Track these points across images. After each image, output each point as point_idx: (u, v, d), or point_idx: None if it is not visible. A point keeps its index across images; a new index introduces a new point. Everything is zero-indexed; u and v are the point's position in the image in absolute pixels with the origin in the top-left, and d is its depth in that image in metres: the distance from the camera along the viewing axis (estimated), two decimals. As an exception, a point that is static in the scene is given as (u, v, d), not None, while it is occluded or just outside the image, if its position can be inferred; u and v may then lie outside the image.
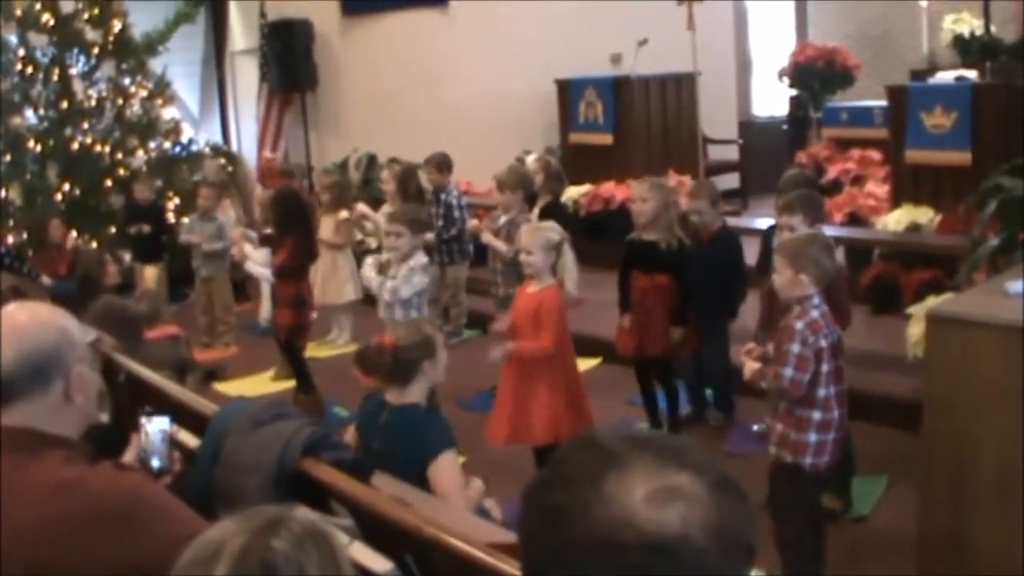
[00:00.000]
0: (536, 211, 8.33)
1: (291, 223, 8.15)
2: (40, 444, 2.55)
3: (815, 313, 4.83)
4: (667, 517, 1.27)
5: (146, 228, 11.01)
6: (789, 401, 4.87)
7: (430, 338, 4.69)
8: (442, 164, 9.88)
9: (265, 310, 9.06)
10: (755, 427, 6.98)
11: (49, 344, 2.59)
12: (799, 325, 4.78)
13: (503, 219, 8.15)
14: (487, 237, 8.14)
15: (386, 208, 9.66)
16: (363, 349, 4.76)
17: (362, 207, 10.26)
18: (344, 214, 9.92)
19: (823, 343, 4.81)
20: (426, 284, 7.13)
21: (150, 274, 11.00)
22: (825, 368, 4.84)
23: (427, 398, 4.79)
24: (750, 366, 5.01)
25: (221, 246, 10.32)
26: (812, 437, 4.85)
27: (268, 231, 9.26)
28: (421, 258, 7.11)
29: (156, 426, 3.22)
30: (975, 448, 4.39)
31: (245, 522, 1.87)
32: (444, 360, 4.73)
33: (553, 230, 6.25)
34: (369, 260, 7.38)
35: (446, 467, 4.37)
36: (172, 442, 3.36)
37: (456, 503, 4.36)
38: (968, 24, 12.82)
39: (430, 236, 8.53)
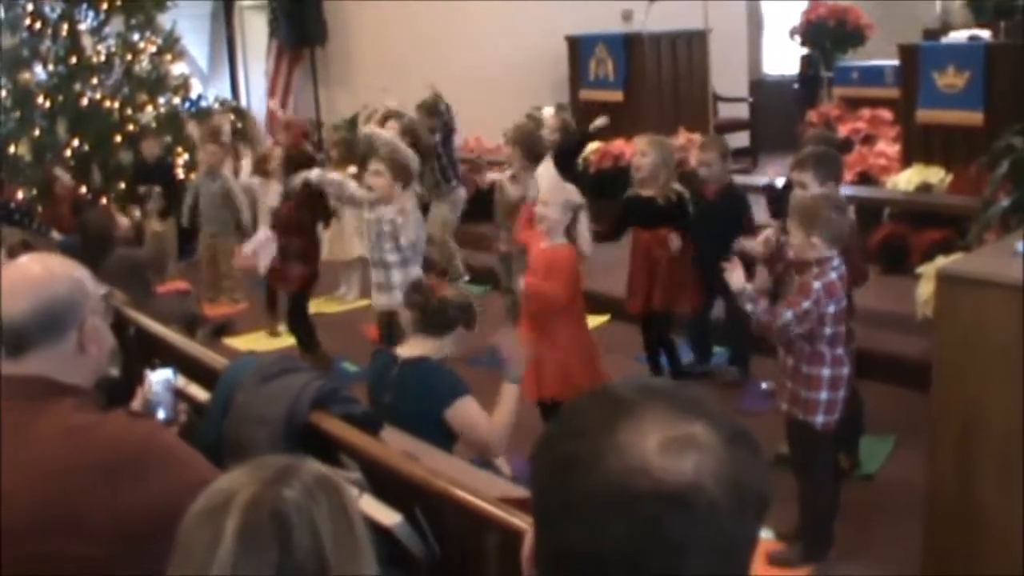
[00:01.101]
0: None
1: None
2: (52, 392, 2.56)
3: (833, 275, 4.84)
4: (681, 466, 1.27)
5: (157, 189, 11.02)
6: (773, 337, 4.93)
7: (474, 309, 4.73)
8: (432, 110, 9.96)
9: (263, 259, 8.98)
10: (763, 385, 6.99)
11: (64, 294, 2.60)
12: (816, 285, 4.79)
13: (508, 173, 8.20)
14: (493, 175, 8.10)
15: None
16: (416, 282, 4.78)
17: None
18: (352, 170, 9.90)
19: (831, 308, 4.81)
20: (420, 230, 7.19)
21: (164, 230, 11.04)
22: (829, 331, 4.85)
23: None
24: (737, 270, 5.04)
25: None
26: (824, 395, 4.88)
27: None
28: (407, 206, 7.10)
29: (160, 377, 3.23)
30: (983, 407, 4.38)
31: (256, 471, 1.88)
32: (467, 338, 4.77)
33: (575, 193, 6.28)
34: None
35: (465, 409, 4.41)
36: (177, 393, 3.37)
37: (487, 435, 4.44)
38: (982, -17, 12.73)
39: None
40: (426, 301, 4.61)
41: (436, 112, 9.90)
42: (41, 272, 2.63)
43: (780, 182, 6.57)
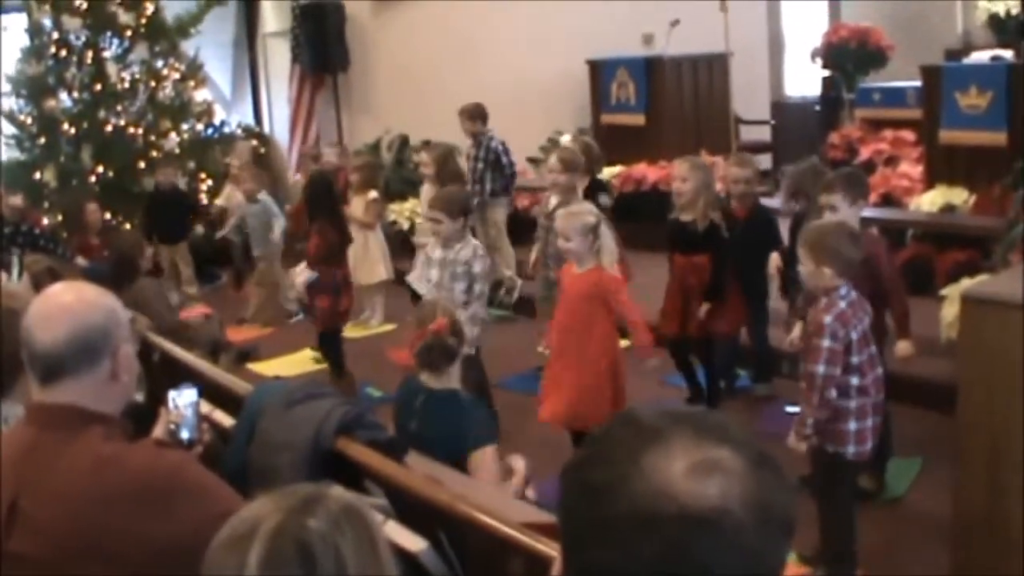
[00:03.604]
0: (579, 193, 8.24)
1: (318, 208, 8.13)
2: (82, 421, 2.58)
3: (842, 304, 4.79)
4: (707, 490, 1.28)
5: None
6: (823, 395, 4.83)
7: (458, 321, 4.72)
8: (475, 114, 10.21)
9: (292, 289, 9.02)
10: (787, 408, 6.95)
11: (99, 323, 2.63)
12: (827, 319, 4.74)
13: (553, 201, 7.83)
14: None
15: (424, 190, 9.68)
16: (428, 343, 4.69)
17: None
18: (373, 194, 9.94)
19: (853, 335, 4.77)
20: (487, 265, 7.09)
21: (180, 255, 11.17)
22: (855, 359, 4.81)
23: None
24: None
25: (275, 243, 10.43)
26: (852, 425, 4.83)
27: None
28: (473, 242, 7.03)
29: (186, 399, 3.24)
30: (1010, 429, 4.36)
31: (281, 500, 1.88)
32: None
33: (589, 213, 6.25)
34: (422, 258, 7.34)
35: (487, 462, 4.38)
36: (200, 413, 3.37)
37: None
38: (1004, 3, 12.71)
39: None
40: (430, 347, 4.59)
41: (478, 116, 10.14)
42: (76, 301, 2.65)
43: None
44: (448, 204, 6.94)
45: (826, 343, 4.73)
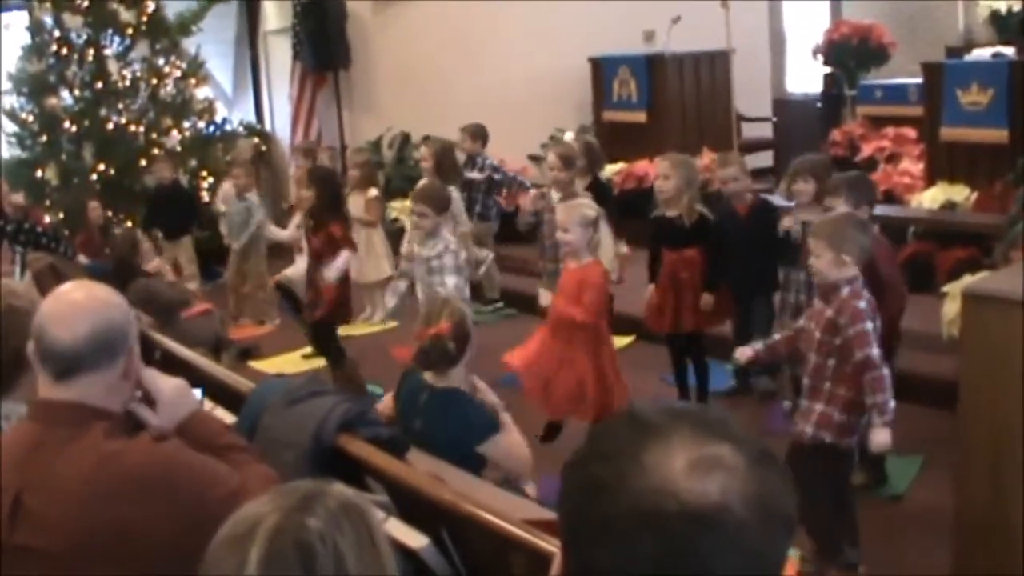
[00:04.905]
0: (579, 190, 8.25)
1: (332, 205, 8.03)
2: (87, 418, 2.60)
3: (866, 294, 4.82)
4: (707, 487, 1.28)
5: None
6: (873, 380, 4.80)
7: (465, 321, 4.70)
8: (477, 133, 10.13)
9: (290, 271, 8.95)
10: (786, 403, 6.92)
11: (116, 321, 2.66)
12: (861, 304, 4.76)
13: (555, 197, 7.92)
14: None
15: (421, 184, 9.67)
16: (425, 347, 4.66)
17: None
18: (374, 192, 9.93)
19: (870, 327, 4.80)
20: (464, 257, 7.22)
21: (182, 251, 11.16)
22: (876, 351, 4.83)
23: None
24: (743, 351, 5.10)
25: (248, 234, 10.37)
26: (863, 418, 4.84)
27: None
28: (450, 238, 7.11)
29: None
30: (1011, 426, 4.35)
31: (281, 499, 1.89)
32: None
33: (589, 207, 6.29)
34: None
35: (504, 448, 4.40)
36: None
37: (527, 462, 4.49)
38: (1005, 0, 12.70)
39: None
40: (428, 351, 4.56)
41: (479, 136, 10.08)
42: (92, 299, 2.67)
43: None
44: (434, 198, 7.07)
45: (868, 326, 4.75)
